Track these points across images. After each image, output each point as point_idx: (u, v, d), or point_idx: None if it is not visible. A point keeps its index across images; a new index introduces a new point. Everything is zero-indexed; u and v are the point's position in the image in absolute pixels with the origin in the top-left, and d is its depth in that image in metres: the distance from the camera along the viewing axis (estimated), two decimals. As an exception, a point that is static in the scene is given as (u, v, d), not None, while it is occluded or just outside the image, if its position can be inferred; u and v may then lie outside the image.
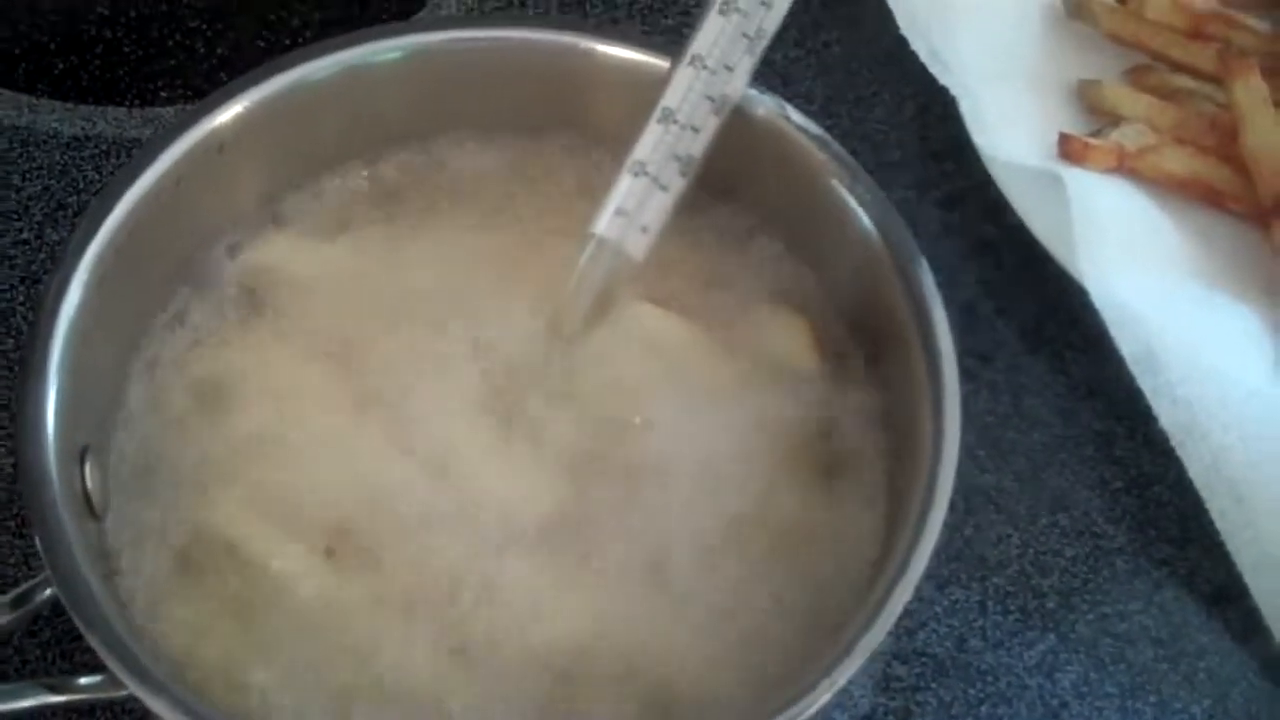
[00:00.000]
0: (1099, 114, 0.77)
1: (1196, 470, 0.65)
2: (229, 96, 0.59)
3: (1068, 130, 0.75)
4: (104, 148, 0.77)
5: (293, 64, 0.60)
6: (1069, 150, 0.74)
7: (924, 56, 0.74)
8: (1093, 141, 0.74)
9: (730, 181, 0.62)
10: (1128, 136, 0.75)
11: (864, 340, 0.61)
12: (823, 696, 0.50)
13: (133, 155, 0.59)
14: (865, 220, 0.59)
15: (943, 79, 0.74)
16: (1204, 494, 0.65)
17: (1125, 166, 0.74)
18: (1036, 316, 0.74)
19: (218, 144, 0.60)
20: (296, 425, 0.60)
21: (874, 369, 0.60)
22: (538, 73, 0.62)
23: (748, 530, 0.58)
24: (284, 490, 0.58)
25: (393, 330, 0.62)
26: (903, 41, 0.76)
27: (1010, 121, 0.74)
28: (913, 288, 0.57)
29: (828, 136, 0.60)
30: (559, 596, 0.57)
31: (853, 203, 0.59)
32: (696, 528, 0.58)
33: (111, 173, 0.75)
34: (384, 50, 0.61)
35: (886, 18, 0.77)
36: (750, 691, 0.55)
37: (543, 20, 0.61)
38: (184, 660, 0.55)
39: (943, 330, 0.56)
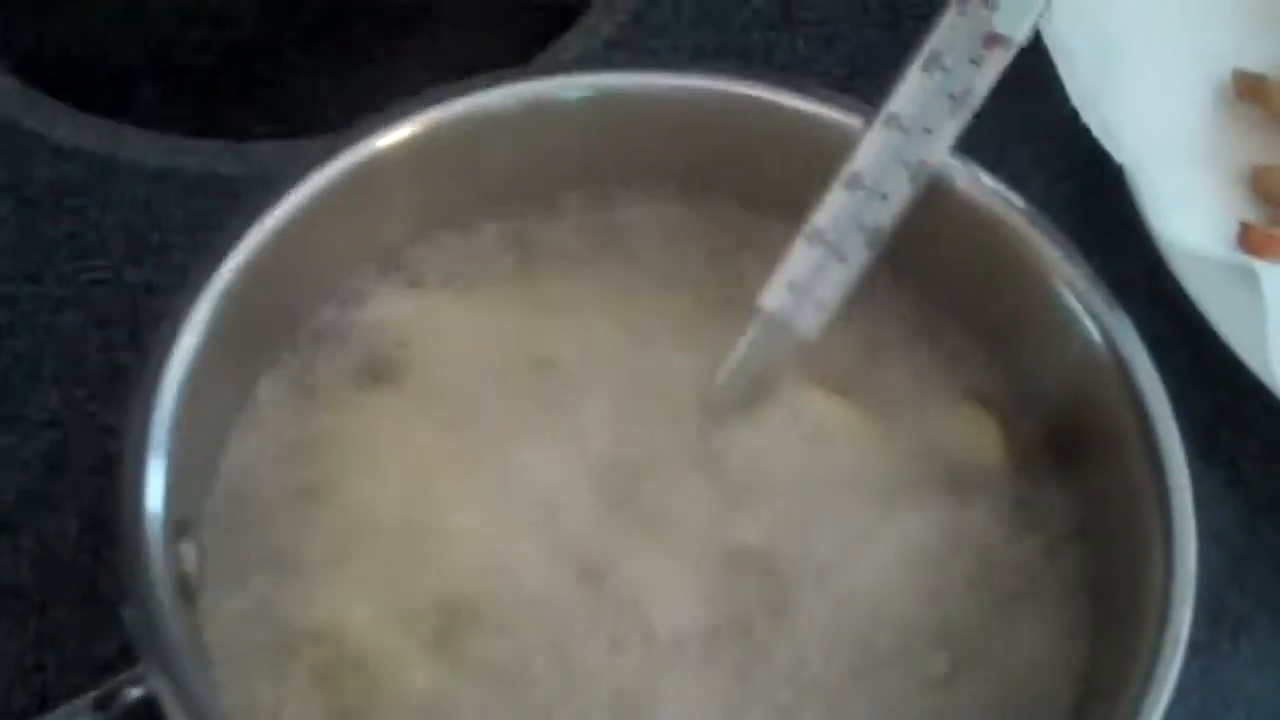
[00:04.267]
0: (1276, 203, 0.71)
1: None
2: (374, 129, 0.53)
3: (1246, 219, 0.69)
4: (190, 182, 0.71)
5: (455, 95, 0.54)
6: (1251, 241, 0.68)
7: (1096, 130, 0.68)
8: (1276, 233, 0.68)
9: (919, 261, 0.56)
10: (1312, 228, 0.69)
11: (1064, 449, 0.54)
12: None
13: (267, 190, 0.52)
14: (1088, 323, 0.53)
15: (1117, 156, 0.68)
16: None
17: (1310, 260, 0.68)
18: (1211, 422, 0.68)
19: (364, 179, 0.53)
20: (418, 506, 0.53)
21: (1070, 477, 0.54)
22: (715, 125, 0.56)
23: (918, 659, 0.51)
24: (402, 582, 0.52)
25: (527, 402, 0.55)
26: (1058, 116, 0.70)
27: (1186, 206, 0.69)
28: (1136, 389, 0.50)
29: (1049, 223, 0.54)
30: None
31: (1073, 301, 0.53)
32: (854, 654, 0.51)
33: (208, 212, 0.69)
34: (562, 88, 0.55)
35: (1047, 89, 0.71)
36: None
37: (723, 68, 0.55)
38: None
39: (1169, 429, 0.49)
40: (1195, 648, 0.61)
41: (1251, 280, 0.65)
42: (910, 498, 0.54)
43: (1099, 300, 0.52)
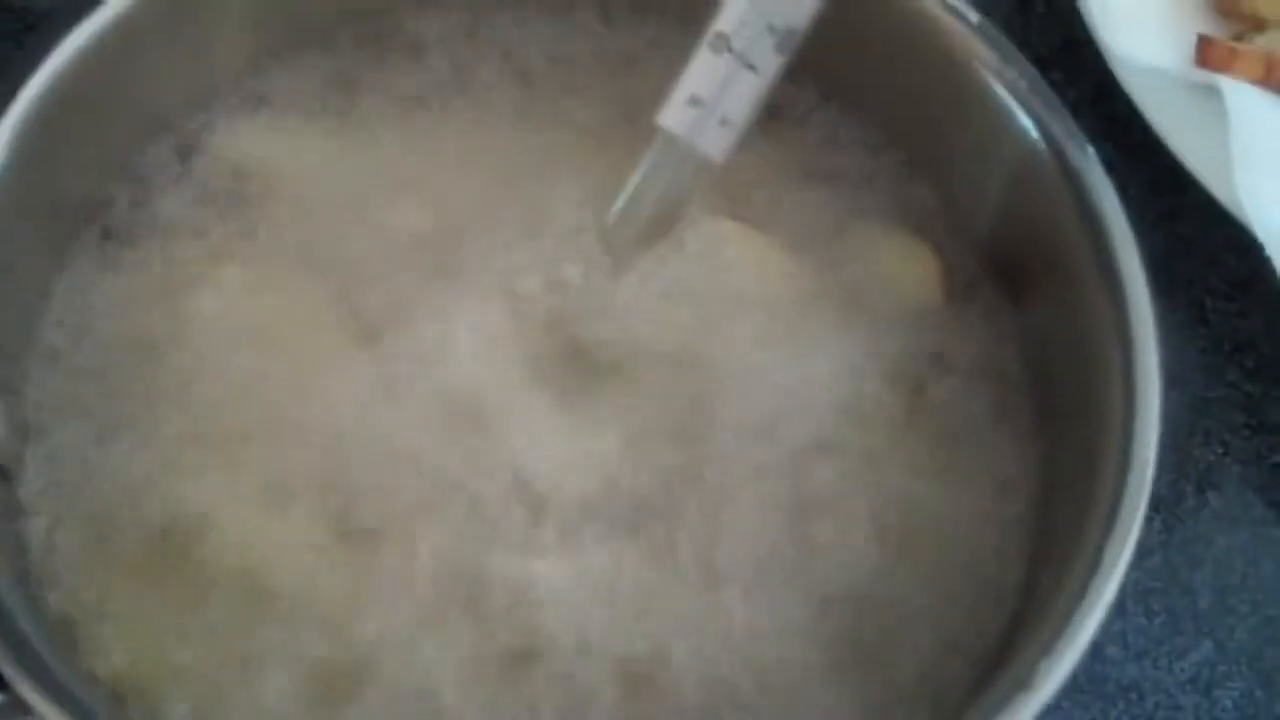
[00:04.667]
0: (1235, 18, 0.65)
1: (1388, 442, 0.53)
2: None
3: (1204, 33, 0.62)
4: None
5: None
6: (1211, 57, 0.61)
7: (1038, -61, 0.62)
8: (1239, 47, 0.61)
9: (837, 70, 0.49)
10: (1276, 43, 0.62)
11: (1006, 272, 0.48)
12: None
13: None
14: (1025, 119, 0.45)
15: (1062, -35, 0.61)
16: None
17: (1274, 79, 0.61)
18: (1169, 254, 0.61)
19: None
20: (276, 365, 0.46)
21: (1018, 312, 0.48)
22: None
23: (848, 510, 0.45)
24: (258, 451, 0.45)
25: (399, 243, 0.48)
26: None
27: (1140, 21, 0.62)
28: (1085, 197, 0.44)
29: (973, 10, 0.47)
30: (613, 592, 0.44)
31: (1009, 98, 0.46)
32: (780, 507, 0.45)
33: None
34: None
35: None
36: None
37: None
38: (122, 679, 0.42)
39: (1126, 244, 0.43)
40: (1157, 502, 0.56)
41: (1212, 99, 0.59)
42: (833, 337, 0.47)
43: (1040, 100, 0.46)
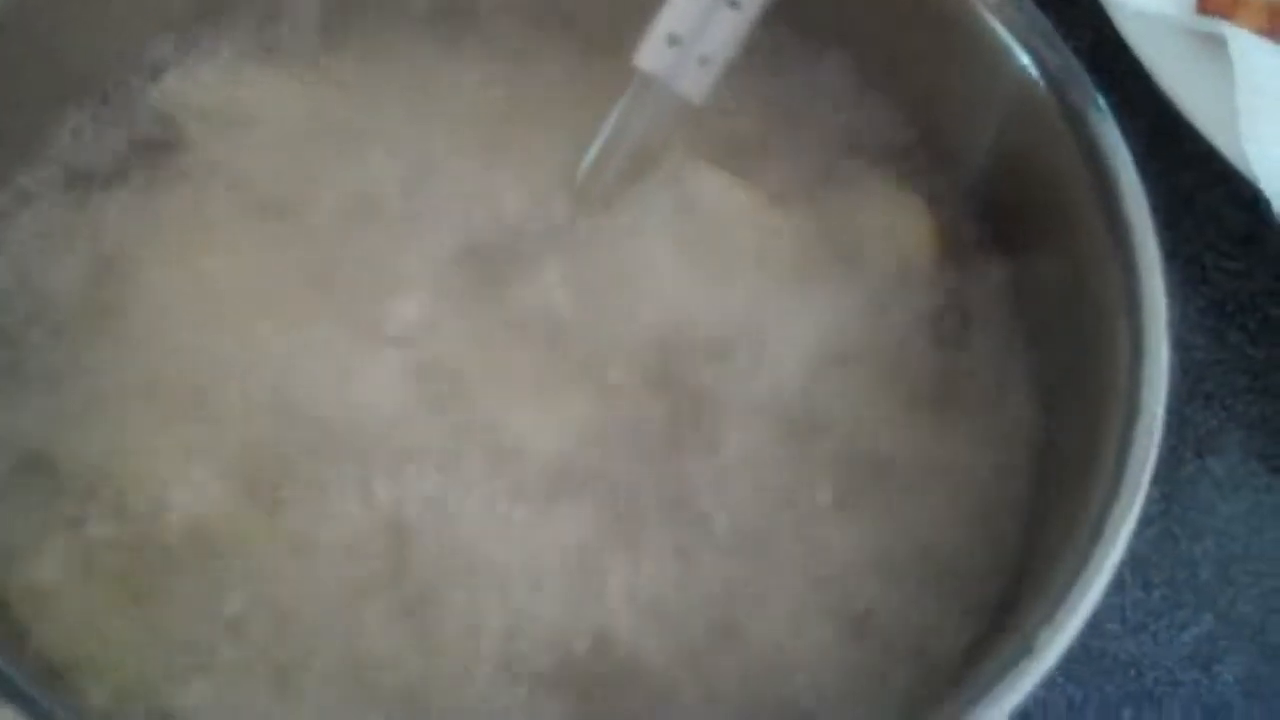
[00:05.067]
0: (1239, -36, 0.62)
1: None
2: None
3: (1206, -20, 0.59)
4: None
5: None
6: (1213, 2, 0.58)
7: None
8: (1242, -6, 0.59)
9: (828, 9, 0.46)
10: (1281, -8, 0.60)
11: (1003, 228, 0.45)
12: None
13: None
14: (1023, 56, 0.42)
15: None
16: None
17: (1278, 29, 0.59)
18: (1169, 212, 0.58)
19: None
20: (220, 311, 0.43)
21: (1016, 266, 0.45)
22: None
23: (836, 471, 0.43)
24: (199, 405, 0.42)
25: (357, 187, 0.45)
26: None
27: (1140, -34, 0.59)
28: (1091, 140, 0.41)
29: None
30: (582, 571, 0.41)
31: (1005, 34, 0.43)
32: (765, 470, 0.42)
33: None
34: None
35: None
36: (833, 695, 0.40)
37: None
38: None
39: (1134, 192, 0.40)
40: (1155, 469, 0.54)
41: (1215, 49, 0.56)
42: (819, 292, 0.45)
43: (1040, 37, 0.43)
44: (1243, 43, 0.56)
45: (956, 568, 0.41)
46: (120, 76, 0.46)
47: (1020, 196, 0.44)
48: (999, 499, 0.42)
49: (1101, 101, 0.42)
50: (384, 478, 0.41)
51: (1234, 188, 0.55)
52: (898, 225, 0.46)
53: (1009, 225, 0.45)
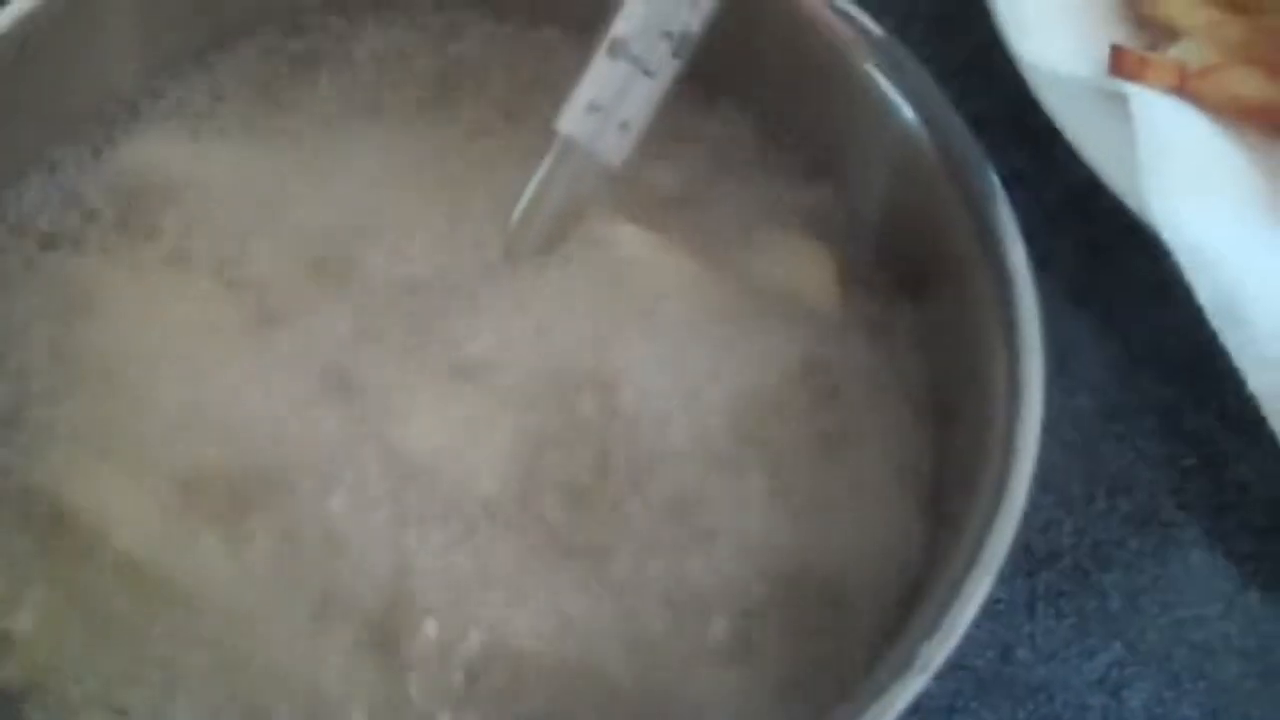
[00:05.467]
0: (1152, 27, 0.65)
1: (1293, 444, 0.54)
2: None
3: (1118, 43, 0.63)
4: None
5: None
6: (1123, 66, 0.61)
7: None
8: (1151, 57, 0.62)
9: (733, 73, 0.49)
10: (1189, 53, 0.63)
11: (900, 273, 0.48)
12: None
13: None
14: (907, 111, 0.46)
15: (977, -25, 0.62)
16: (1301, 471, 0.54)
17: (1187, 88, 0.62)
18: (1083, 264, 0.62)
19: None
20: (168, 362, 0.46)
21: (912, 307, 0.48)
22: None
23: (751, 507, 0.46)
24: (142, 441, 0.45)
25: (293, 246, 0.49)
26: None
27: (1054, 30, 0.62)
28: (971, 193, 0.44)
29: (858, 10, 0.47)
30: (507, 598, 0.44)
31: (891, 91, 0.46)
32: (684, 505, 0.45)
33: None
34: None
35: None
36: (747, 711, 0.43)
37: None
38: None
39: (1012, 238, 0.43)
40: (1068, 505, 0.57)
41: (1124, 106, 0.59)
42: (730, 338, 0.48)
43: (921, 91, 0.46)
44: (1145, 101, 0.59)
45: (847, 594, 0.44)
46: (68, 145, 0.49)
47: (914, 242, 0.47)
48: (893, 528, 0.45)
49: (980, 149, 0.45)
50: (312, 501, 0.44)
51: (1144, 240, 0.58)
52: (803, 272, 0.49)
53: (907, 270, 0.48)
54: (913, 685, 0.38)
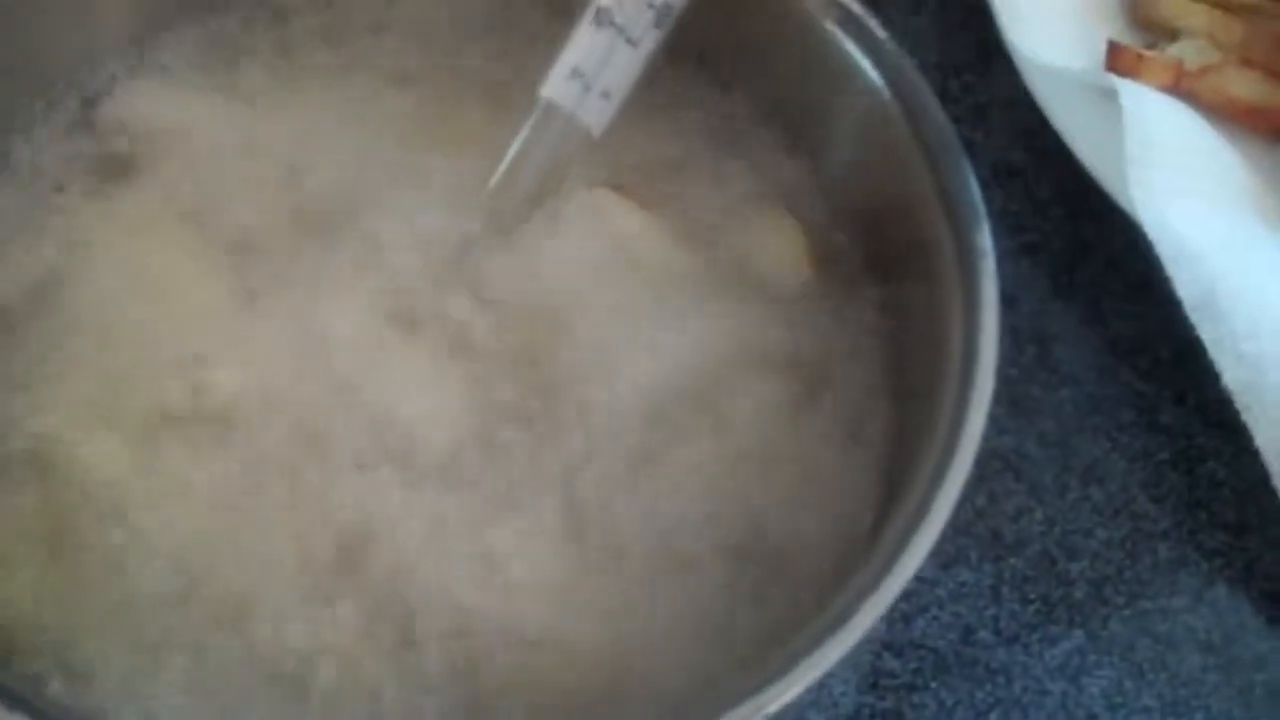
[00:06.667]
0: (1152, 26, 0.66)
1: (1265, 439, 0.54)
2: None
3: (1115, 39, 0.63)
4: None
5: None
6: (1119, 62, 0.62)
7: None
8: (1147, 54, 0.62)
9: (712, 47, 0.50)
10: (1186, 53, 0.63)
11: (869, 250, 0.49)
12: (793, 688, 0.38)
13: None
14: (873, 74, 0.47)
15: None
16: (1272, 467, 0.54)
17: (1182, 87, 0.62)
18: (1070, 256, 0.62)
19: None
20: (151, 309, 0.47)
21: (880, 284, 0.49)
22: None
23: (706, 471, 0.46)
24: (122, 388, 0.46)
25: (280, 203, 0.50)
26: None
27: (1051, 24, 0.63)
28: (935, 153, 0.45)
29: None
30: (461, 552, 0.44)
31: (856, 54, 0.47)
32: (641, 467, 0.46)
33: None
34: None
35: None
36: (700, 675, 0.43)
37: None
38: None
39: (974, 202, 0.44)
40: (1040, 494, 0.57)
41: (1115, 101, 0.60)
42: (705, 306, 0.48)
43: (891, 59, 0.47)
44: (1135, 96, 0.59)
45: (799, 560, 0.44)
46: (66, 90, 0.50)
47: (882, 215, 0.48)
48: (846, 496, 0.45)
49: (945, 117, 0.46)
50: (285, 451, 0.45)
51: (1133, 237, 0.59)
52: (774, 245, 0.50)
53: (877, 244, 0.48)
54: (846, 641, 0.38)
